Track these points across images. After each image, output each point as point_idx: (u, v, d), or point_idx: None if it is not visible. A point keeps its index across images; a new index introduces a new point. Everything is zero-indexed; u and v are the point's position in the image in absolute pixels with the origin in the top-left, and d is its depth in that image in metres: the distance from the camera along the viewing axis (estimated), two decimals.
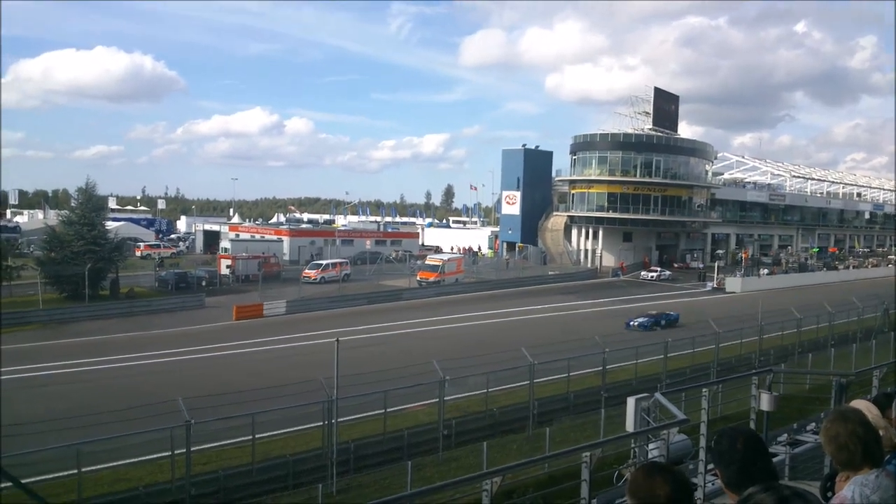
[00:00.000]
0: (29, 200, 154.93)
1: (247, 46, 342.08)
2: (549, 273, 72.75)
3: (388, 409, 22.52)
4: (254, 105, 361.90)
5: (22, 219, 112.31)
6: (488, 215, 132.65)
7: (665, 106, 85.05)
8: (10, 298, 47.01)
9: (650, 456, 11.18)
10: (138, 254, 75.15)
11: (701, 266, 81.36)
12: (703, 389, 11.27)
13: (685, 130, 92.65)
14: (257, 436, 19.90)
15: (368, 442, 21.76)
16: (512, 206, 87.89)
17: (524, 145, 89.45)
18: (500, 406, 25.25)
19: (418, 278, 61.73)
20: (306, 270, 62.91)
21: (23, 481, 15.26)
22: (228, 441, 20.69)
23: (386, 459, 21.21)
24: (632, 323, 43.81)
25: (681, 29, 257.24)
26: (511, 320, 46.12)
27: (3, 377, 30.62)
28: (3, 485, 14.97)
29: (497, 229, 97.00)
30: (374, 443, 21.84)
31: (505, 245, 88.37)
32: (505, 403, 25.58)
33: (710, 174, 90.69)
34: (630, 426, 13.38)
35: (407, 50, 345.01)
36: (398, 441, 22.04)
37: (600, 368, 27.37)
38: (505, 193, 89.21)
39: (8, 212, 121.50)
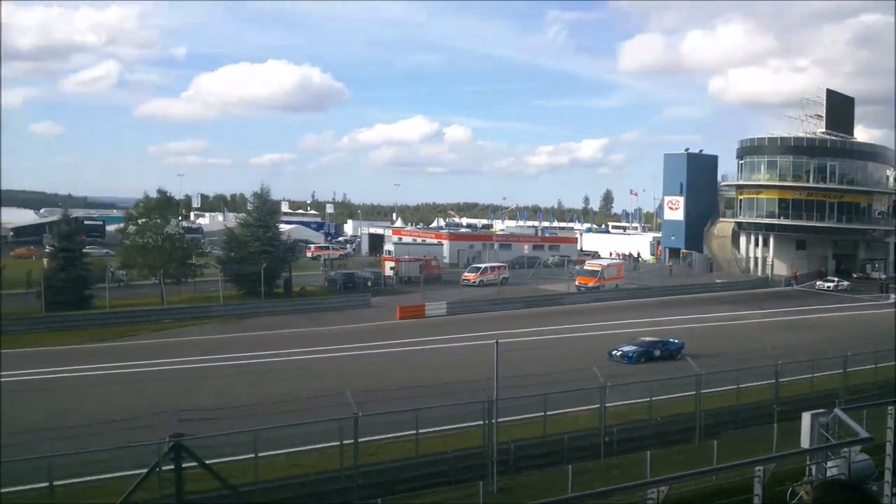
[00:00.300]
0: (210, 204, 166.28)
1: (408, 57, 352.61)
2: (716, 281, 70.03)
3: (548, 413, 22.52)
4: (415, 114, 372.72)
5: (204, 221, 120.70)
6: (649, 221, 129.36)
7: (839, 108, 79.61)
8: (193, 294, 50.94)
9: (828, 474, 10.61)
10: (309, 255, 78.93)
11: (883, 277, 75.57)
12: (889, 407, 10.58)
13: (861, 134, 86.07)
14: (420, 431, 20.48)
15: (528, 444, 21.82)
16: (675, 211, 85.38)
17: (687, 149, 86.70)
18: (664, 415, 24.62)
19: (577, 283, 61.09)
20: (465, 273, 63.84)
21: (206, 462, 16.57)
22: (393, 435, 21.34)
23: (546, 462, 21.16)
24: (614, 352, 34.82)
25: (855, 27, 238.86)
26: (674, 328, 44.78)
27: (184, 366, 33.31)
28: (188, 464, 16.30)
29: (659, 235, 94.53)
30: (534, 445, 21.87)
31: (668, 251, 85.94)
32: (669, 413, 24.91)
33: (891, 180, 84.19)
34: (805, 442, 12.74)
35: (565, 56, 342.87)
36: (558, 444, 21.92)
37: (772, 381, 26.12)
38: (667, 199, 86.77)
39: (192, 214, 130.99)
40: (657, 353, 35.08)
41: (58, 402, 26.39)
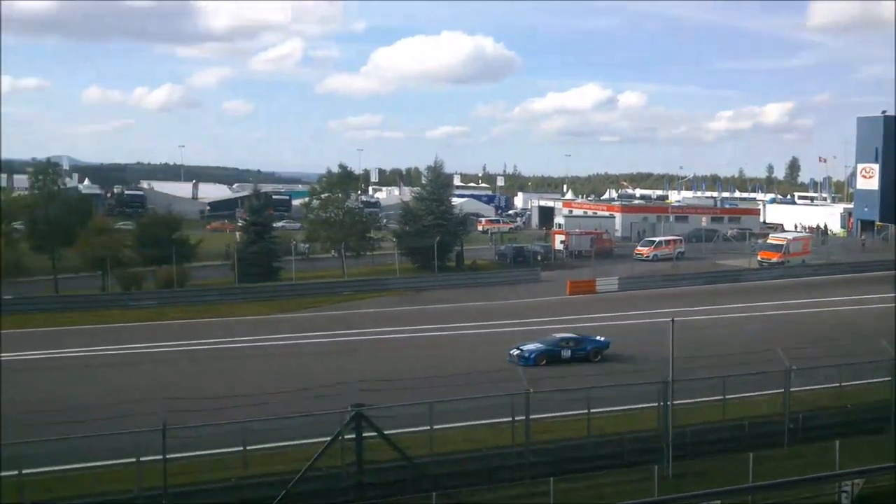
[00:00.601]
0: (386, 178, 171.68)
1: (581, 23, 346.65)
2: None
3: (727, 396, 21.71)
4: (588, 81, 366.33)
5: (381, 195, 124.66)
6: (840, 190, 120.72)
7: None
8: (372, 267, 53.05)
9: None
10: (479, 228, 79.86)
11: None
12: None
13: None
14: (592, 410, 20.31)
15: (706, 428, 21.15)
16: (869, 180, 79.09)
17: (884, 112, 79.64)
18: (856, 403, 23.07)
19: (759, 258, 58.22)
20: (638, 247, 62.54)
21: (384, 432, 17.28)
22: (564, 413, 21.23)
23: (724, 448, 20.44)
24: (513, 352, 29.51)
25: None
26: (867, 308, 41.70)
27: (355, 338, 34.64)
28: (367, 434, 17.05)
29: (850, 206, 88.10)
30: (712, 429, 21.17)
31: (860, 224, 79.98)
32: (861, 400, 23.31)
33: None
34: None
35: (747, 14, 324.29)
36: (738, 430, 21.13)
37: None
38: (860, 166, 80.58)
39: (370, 188, 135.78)
40: (566, 353, 29.37)
41: (248, 371, 28.38)
